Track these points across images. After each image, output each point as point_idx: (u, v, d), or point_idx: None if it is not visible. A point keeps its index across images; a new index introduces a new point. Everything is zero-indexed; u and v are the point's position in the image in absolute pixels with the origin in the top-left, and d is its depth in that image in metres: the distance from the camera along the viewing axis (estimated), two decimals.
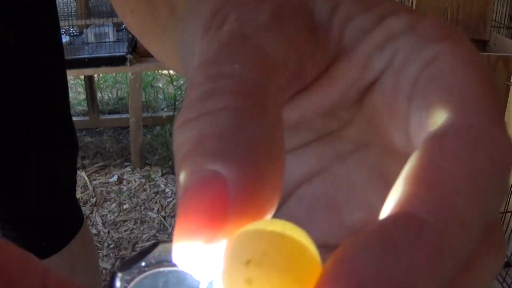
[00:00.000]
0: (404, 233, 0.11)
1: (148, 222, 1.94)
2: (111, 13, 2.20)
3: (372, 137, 0.17)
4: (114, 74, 3.03)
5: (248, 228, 0.12)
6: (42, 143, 0.75)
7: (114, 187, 2.17)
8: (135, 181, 2.22)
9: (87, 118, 2.73)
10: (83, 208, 2.00)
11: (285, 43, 0.15)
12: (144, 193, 2.13)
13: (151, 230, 1.88)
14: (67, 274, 0.80)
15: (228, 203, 0.12)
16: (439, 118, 0.13)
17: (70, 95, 3.03)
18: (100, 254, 1.75)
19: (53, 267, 0.80)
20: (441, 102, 0.13)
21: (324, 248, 0.13)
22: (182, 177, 0.12)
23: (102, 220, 1.95)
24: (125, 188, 2.17)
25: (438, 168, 0.11)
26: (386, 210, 0.12)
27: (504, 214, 0.88)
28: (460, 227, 0.11)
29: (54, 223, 0.79)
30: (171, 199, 2.10)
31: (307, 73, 0.16)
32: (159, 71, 2.96)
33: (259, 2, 0.15)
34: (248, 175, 0.12)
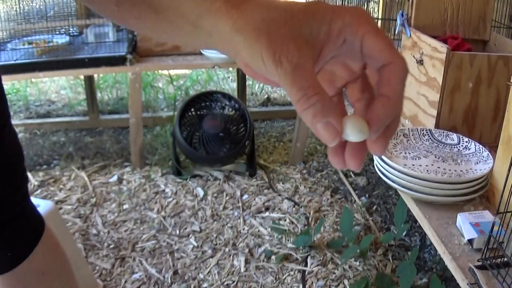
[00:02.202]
0: None
1: (148, 222, 1.94)
2: None
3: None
4: (114, 74, 3.03)
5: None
6: None
7: (114, 187, 2.17)
8: (135, 181, 2.22)
9: (87, 118, 2.73)
10: (83, 208, 2.00)
11: (308, 56, 0.36)
12: (144, 193, 2.13)
13: (151, 230, 1.88)
14: (40, 280, 0.77)
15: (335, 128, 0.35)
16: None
17: (70, 95, 3.03)
18: (100, 254, 1.75)
19: (24, 275, 0.75)
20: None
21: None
22: (319, 125, 0.34)
23: (102, 220, 1.95)
24: (125, 188, 2.17)
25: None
26: None
27: (504, 214, 0.88)
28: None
29: (12, 231, 0.74)
30: (171, 199, 2.09)
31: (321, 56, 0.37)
32: (159, 71, 2.96)
33: (287, 40, 0.34)
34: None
